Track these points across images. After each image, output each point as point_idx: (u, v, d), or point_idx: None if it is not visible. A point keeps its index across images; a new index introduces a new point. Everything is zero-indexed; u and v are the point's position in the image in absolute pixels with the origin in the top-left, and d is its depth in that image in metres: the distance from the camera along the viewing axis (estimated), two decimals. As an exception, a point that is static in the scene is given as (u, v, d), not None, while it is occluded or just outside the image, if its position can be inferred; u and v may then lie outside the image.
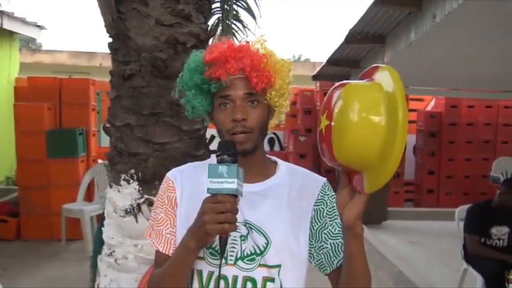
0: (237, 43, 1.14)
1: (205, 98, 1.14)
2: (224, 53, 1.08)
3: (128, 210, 2.17)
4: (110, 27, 2.18)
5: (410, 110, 7.86)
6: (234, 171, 0.99)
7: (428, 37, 3.79)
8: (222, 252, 1.04)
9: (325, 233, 1.16)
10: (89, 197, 5.33)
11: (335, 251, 1.15)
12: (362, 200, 0.99)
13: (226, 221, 0.98)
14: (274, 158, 1.25)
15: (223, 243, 1.03)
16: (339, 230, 1.15)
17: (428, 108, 8.29)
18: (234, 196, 1.00)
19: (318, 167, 7.52)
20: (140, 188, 2.17)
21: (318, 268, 1.18)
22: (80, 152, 5.41)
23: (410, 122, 7.75)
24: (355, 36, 4.92)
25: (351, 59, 5.91)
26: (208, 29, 4.69)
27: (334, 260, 1.15)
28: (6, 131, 5.75)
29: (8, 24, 6.52)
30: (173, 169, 1.25)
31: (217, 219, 0.98)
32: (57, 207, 5.10)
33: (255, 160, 1.15)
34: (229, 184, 0.99)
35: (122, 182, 2.19)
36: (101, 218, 2.75)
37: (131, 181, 2.17)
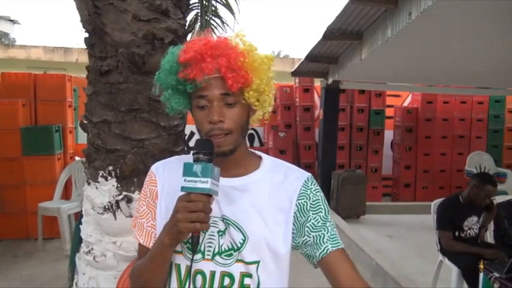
0: (214, 39, 1.09)
1: (182, 97, 1.13)
2: (200, 51, 1.05)
3: (106, 207, 2.15)
4: (86, 22, 2.14)
5: (388, 106, 8.00)
6: (208, 171, 0.99)
7: (405, 34, 3.85)
8: (193, 251, 1.05)
9: (307, 226, 1.14)
10: (66, 195, 5.24)
11: (317, 243, 1.13)
12: None
13: (198, 221, 0.99)
14: (259, 152, 1.24)
15: (195, 241, 1.04)
16: (322, 223, 1.14)
17: (405, 104, 8.43)
18: (208, 195, 1.00)
19: (297, 163, 7.58)
20: (118, 185, 2.14)
21: (307, 259, 1.18)
22: (56, 150, 5.31)
23: (387, 117, 7.94)
24: (333, 33, 4.97)
25: (329, 55, 5.96)
26: (187, 24, 4.66)
27: (316, 252, 1.13)
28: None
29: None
30: (158, 162, 1.25)
31: (190, 218, 0.99)
32: (33, 205, 5.00)
33: (236, 156, 1.14)
34: (203, 184, 0.99)
35: (100, 179, 2.17)
36: (79, 216, 2.71)
37: (109, 178, 2.15)
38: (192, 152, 1.06)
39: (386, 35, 4.11)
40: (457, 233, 3.50)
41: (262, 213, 1.13)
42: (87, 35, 2.21)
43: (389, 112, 8.05)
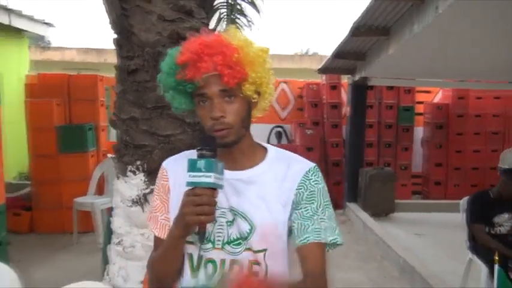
0: (209, 38, 1.13)
1: (184, 97, 1.17)
2: (196, 51, 1.09)
3: (135, 200, 2.24)
4: (115, 24, 2.24)
5: (417, 103, 7.87)
6: (212, 166, 1.05)
7: (432, 29, 3.81)
8: (200, 242, 1.13)
9: (296, 213, 1.18)
10: (100, 190, 5.43)
11: (299, 230, 1.16)
12: None
13: (203, 213, 1.05)
14: (265, 144, 1.28)
15: (202, 233, 1.11)
16: (311, 214, 1.17)
17: (436, 100, 8.26)
18: (212, 189, 1.06)
19: (325, 160, 7.56)
20: (146, 179, 2.23)
21: None
22: (89, 147, 5.51)
23: (417, 114, 7.81)
24: (359, 29, 4.95)
25: (356, 52, 5.93)
26: (213, 23, 4.72)
27: (297, 239, 1.17)
28: (18, 127, 5.87)
29: (16, 22, 6.61)
30: (168, 158, 1.32)
31: (195, 211, 1.05)
32: (68, 201, 5.20)
33: (241, 149, 1.19)
34: (207, 178, 1.05)
35: (129, 173, 2.26)
36: (111, 210, 2.83)
37: (137, 172, 2.24)
38: (196, 148, 1.12)
39: (414, 30, 4.07)
40: (487, 229, 3.44)
41: (267, 204, 1.17)
42: (115, 35, 2.31)
43: (419, 108, 7.92)
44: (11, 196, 5.63)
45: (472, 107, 7.67)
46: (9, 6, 6.24)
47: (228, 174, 1.14)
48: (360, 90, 6.75)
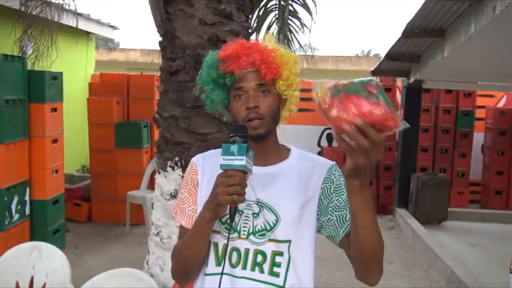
0: (248, 42, 1.26)
1: (221, 91, 1.28)
2: (236, 50, 1.22)
3: (173, 194, 2.36)
4: (159, 27, 2.38)
5: (479, 107, 7.48)
6: (243, 150, 1.13)
7: (489, 30, 3.64)
8: (231, 221, 1.18)
9: (331, 207, 1.25)
10: (152, 185, 5.66)
11: (339, 221, 1.23)
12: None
13: (235, 193, 1.12)
14: (288, 145, 1.36)
15: (233, 212, 1.17)
16: (344, 204, 1.24)
17: (500, 105, 7.81)
18: (243, 172, 1.13)
19: (376, 164, 7.38)
20: (183, 174, 2.34)
21: (330, 240, 1.27)
22: (144, 144, 5.79)
23: (477, 119, 7.43)
24: (413, 31, 4.81)
25: (410, 54, 5.76)
26: (264, 26, 4.78)
27: (339, 230, 1.23)
28: (83, 123, 6.29)
29: (84, 25, 7.08)
30: (197, 154, 1.40)
31: (227, 191, 1.12)
32: (123, 194, 5.49)
33: (268, 146, 1.29)
34: (239, 161, 1.12)
35: (168, 169, 2.39)
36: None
37: (176, 168, 2.36)
38: (229, 135, 1.19)
39: (470, 31, 3.91)
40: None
41: (292, 197, 1.25)
42: (160, 38, 2.45)
43: (480, 113, 7.52)
44: (72, 187, 6.05)
45: (539, 113, 7.18)
46: (78, 11, 6.69)
47: (256, 169, 1.21)
48: (414, 93, 6.55)
